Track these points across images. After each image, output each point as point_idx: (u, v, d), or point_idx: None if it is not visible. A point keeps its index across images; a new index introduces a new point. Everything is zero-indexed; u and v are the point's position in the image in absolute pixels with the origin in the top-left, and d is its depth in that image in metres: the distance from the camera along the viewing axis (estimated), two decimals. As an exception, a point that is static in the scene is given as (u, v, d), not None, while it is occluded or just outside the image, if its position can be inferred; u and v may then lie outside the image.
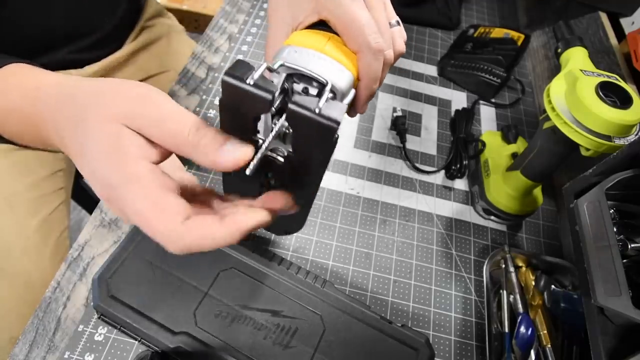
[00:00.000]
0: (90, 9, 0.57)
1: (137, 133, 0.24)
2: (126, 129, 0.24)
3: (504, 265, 0.47)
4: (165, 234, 0.23)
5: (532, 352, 0.40)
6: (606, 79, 0.39)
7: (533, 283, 0.45)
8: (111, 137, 0.24)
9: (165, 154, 0.25)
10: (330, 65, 0.28)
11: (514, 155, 0.55)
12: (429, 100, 0.67)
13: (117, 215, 0.26)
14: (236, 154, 0.24)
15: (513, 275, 0.45)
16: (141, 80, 0.65)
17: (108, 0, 0.60)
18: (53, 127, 0.28)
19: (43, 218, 0.55)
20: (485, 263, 0.47)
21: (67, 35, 0.56)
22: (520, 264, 0.47)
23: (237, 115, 0.25)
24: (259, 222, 0.25)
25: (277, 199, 0.27)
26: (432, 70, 0.71)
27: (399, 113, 0.63)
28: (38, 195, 0.56)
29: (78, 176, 0.74)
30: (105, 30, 0.60)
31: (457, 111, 0.65)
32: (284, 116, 0.24)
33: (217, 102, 0.59)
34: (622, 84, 0.39)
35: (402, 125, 0.61)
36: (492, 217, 0.53)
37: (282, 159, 0.27)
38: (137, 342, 0.38)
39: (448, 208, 0.54)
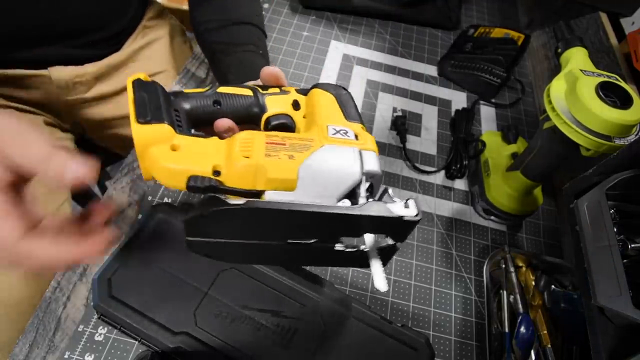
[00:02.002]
0: (104, 6, 0.57)
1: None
2: None
3: (504, 266, 0.47)
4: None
5: (532, 352, 0.40)
6: (606, 79, 0.39)
7: (533, 283, 0.45)
8: None
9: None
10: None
11: (514, 155, 0.55)
12: (429, 100, 0.67)
13: None
14: (80, 171, 0.28)
15: (513, 275, 0.45)
16: None
17: (121, 1, 0.60)
18: None
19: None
20: (485, 263, 0.47)
21: (73, 30, 0.56)
22: (520, 264, 0.47)
23: None
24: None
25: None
26: (432, 70, 0.71)
27: (399, 113, 0.63)
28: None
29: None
30: (113, 30, 0.61)
31: (457, 111, 0.65)
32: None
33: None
34: (622, 84, 0.39)
35: (402, 125, 0.61)
36: (492, 217, 0.53)
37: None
38: (137, 342, 0.38)
39: (448, 208, 0.54)
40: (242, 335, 0.37)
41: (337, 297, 0.40)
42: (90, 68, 0.60)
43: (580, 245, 0.34)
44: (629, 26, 0.66)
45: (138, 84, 0.32)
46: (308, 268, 0.46)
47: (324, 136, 0.33)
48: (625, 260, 0.31)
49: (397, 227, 0.31)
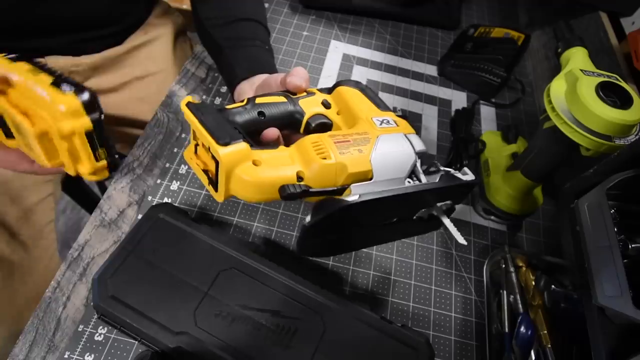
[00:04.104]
0: (112, 4, 0.58)
1: None
2: None
3: (504, 265, 0.47)
4: None
5: (532, 352, 0.40)
6: (606, 79, 0.39)
7: (533, 283, 0.45)
8: None
9: None
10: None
11: (514, 155, 0.55)
12: (429, 100, 0.67)
13: None
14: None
15: (513, 275, 0.45)
16: (140, 78, 0.65)
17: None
18: None
19: (35, 203, 0.56)
20: (486, 263, 0.47)
21: (77, 25, 0.57)
22: (520, 264, 0.47)
23: None
24: None
25: None
26: (432, 70, 0.71)
27: (399, 113, 0.63)
28: (31, 182, 0.56)
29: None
30: (119, 27, 0.61)
31: (457, 111, 0.65)
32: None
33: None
34: (623, 84, 0.39)
35: (402, 125, 0.61)
36: (492, 217, 0.53)
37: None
38: (137, 342, 0.38)
39: (448, 208, 0.54)
40: (242, 335, 0.37)
41: (337, 297, 0.40)
42: (86, 59, 0.60)
43: (580, 245, 0.34)
44: (629, 26, 0.66)
45: (193, 106, 0.33)
46: (307, 269, 0.46)
47: (375, 128, 0.36)
48: (625, 260, 0.31)
49: (460, 191, 0.36)
